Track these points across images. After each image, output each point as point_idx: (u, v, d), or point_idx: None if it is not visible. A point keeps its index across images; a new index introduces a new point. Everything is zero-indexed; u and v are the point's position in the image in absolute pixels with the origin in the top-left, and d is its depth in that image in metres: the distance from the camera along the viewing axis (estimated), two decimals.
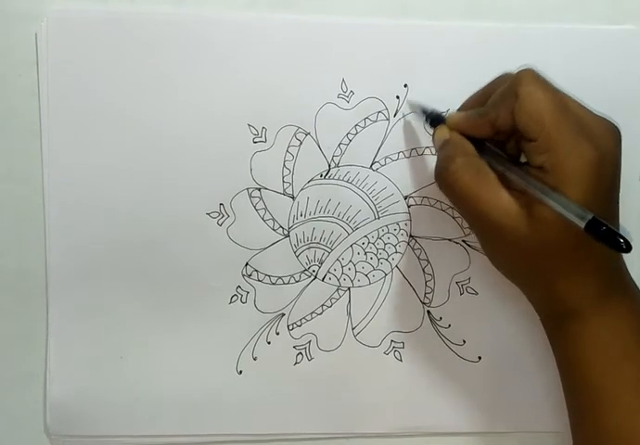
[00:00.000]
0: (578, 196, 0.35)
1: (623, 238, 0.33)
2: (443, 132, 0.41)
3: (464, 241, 0.46)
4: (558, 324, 0.40)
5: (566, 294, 0.38)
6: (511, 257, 0.39)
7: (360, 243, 0.46)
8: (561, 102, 0.37)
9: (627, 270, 0.40)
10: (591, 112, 0.38)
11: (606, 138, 0.37)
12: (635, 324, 0.38)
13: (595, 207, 0.35)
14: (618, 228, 0.39)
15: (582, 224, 0.34)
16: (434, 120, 0.42)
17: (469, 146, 0.40)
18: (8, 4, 0.44)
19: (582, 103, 0.38)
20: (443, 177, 0.39)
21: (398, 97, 0.45)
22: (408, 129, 0.45)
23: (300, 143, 0.45)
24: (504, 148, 0.40)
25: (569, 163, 0.36)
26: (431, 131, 0.42)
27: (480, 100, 0.41)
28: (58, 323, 0.45)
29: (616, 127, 0.38)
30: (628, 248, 0.33)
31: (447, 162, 0.39)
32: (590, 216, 0.34)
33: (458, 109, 0.43)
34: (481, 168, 0.38)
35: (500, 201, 0.37)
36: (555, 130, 0.36)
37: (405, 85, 0.45)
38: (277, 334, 0.46)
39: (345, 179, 0.45)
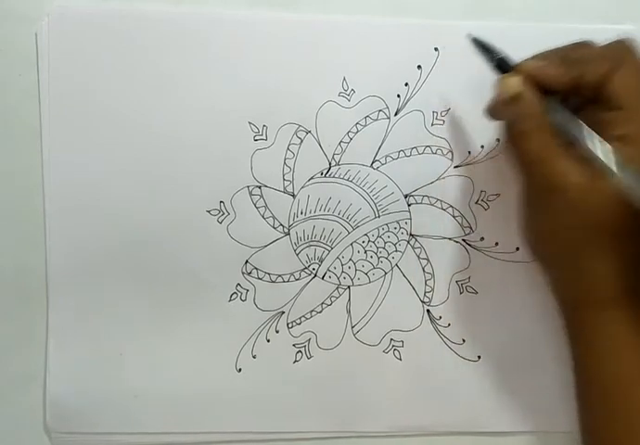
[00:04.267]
0: None
1: None
2: (514, 83, 0.37)
3: (464, 240, 0.46)
4: (579, 311, 0.38)
5: (600, 279, 0.37)
6: (556, 226, 0.37)
7: (360, 241, 0.46)
8: None
9: None
10: None
11: None
12: None
13: None
14: None
15: None
16: (501, 65, 0.39)
17: (541, 105, 0.37)
18: (8, 4, 0.44)
19: None
20: (515, 137, 0.38)
21: (399, 96, 0.45)
22: (409, 128, 0.45)
23: (301, 141, 0.45)
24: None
25: None
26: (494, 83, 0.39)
27: (553, 58, 0.38)
28: (58, 322, 0.45)
29: None
30: None
31: (520, 122, 0.37)
32: None
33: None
34: (551, 131, 0.37)
35: (565, 168, 0.36)
36: None
37: (406, 84, 0.45)
38: (277, 332, 0.46)
39: (346, 177, 0.45)
